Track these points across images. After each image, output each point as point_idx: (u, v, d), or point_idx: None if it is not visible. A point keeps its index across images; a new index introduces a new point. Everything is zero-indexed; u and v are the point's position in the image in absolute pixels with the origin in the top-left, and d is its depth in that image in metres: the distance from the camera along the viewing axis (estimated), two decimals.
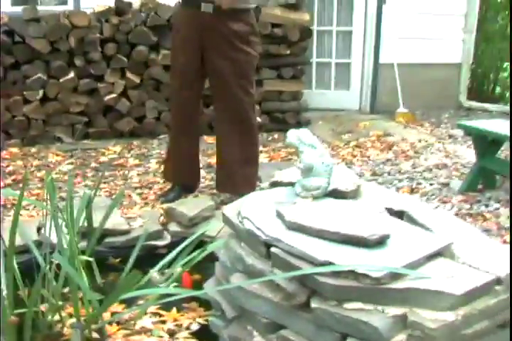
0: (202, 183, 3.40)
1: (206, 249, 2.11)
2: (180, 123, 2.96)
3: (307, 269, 1.54)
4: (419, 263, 1.54)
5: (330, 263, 1.53)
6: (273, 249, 1.66)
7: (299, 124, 4.82)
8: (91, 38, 4.22)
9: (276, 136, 4.60)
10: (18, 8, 4.26)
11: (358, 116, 5.52)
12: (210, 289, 1.85)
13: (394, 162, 4.10)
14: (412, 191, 3.45)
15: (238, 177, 2.92)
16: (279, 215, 1.78)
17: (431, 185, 3.59)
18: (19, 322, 1.81)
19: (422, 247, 1.58)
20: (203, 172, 3.59)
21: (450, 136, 4.91)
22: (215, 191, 3.29)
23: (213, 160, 3.85)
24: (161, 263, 2.13)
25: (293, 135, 1.93)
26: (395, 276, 1.48)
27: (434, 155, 4.29)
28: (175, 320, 2.08)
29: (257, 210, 1.85)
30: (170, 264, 2.12)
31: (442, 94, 5.84)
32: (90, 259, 2.00)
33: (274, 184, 2.10)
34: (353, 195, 2.02)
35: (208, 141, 4.34)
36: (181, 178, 3.12)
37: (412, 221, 1.80)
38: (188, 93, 2.87)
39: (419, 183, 3.62)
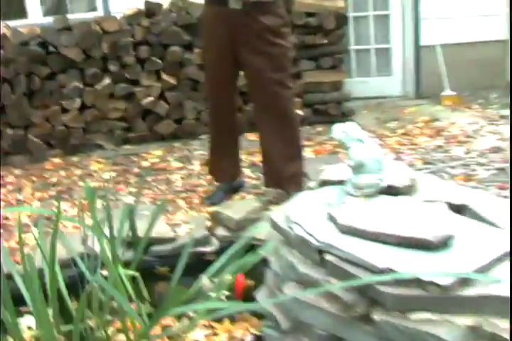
0: (246, 183, 3.29)
1: (256, 255, 1.99)
2: (218, 121, 2.89)
3: (366, 278, 1.41)
4: (490, 265, 1.38)
5: (390, 271, 1.40)
6: (327, 257, 1.55)
7: (342, 115, 4.66)
8: (123, 42, 4.16)
9: (320, 128, 4.45)
10: (50, 19, 4.22)
11: (402, 102, 5.30)
12: (264, 302, 1.74)
13: (445, 148, 3.91)
14: (467, 178, 3.26)
15: (284, 174, 2.83)
16: (331, 218, 1.66)
17: (487, 170, 3.39)
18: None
19: (492, 247, 1.43)
20: (247, 172, 3.50)
21: (502, 117, 4.66)
22: (261, 191, 3.18)
23: (256, 158, 3.77)
24: (211, 269, 2.04)
25: (338, 130, 1.80)
26: (464, 282, 1.34)
27: (487, 139, 4.07)
28: (227, 331, 1.97)
29: (307, 214, 1.73)
30: (219, 271, 2.01)
31: (488, 74, 5.56)
32: (135, 274, 1.91)
33: (323, 183, 1.97)
34: (408, 190, 1.87)
35: (250, 138, 4.21)
36: (224, 177, 3.04)
37: (476, 216, 1.65)
38: (223, 91, 2.78)
39: (474, 170, 3.43)
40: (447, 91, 5.22)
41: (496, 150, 3.77)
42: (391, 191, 1.82)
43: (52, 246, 1.66)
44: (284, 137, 2.77)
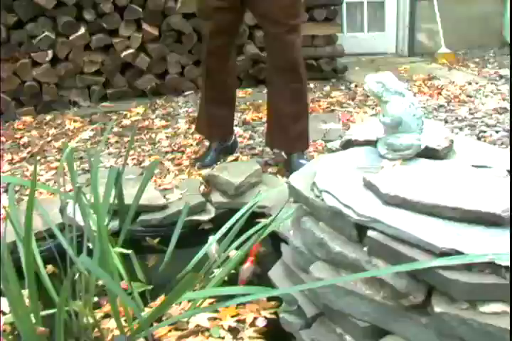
0: (240, 143, 2.99)
1: (266, 228, 1.71)
2: (214, 72, 2.54)
3: (426, 261, 1.13)
4: None
5: (456, 252, 1.12)
6: (371, 233, 1.26)
7: (334, 72, 4.41)
8: None
9: (311, 85, 4.14)
10: None
11: (396, 59, 5.04)
12: (290, 289, 1.45)
13: (448, 108, 3.65)
14: (478, 140, 3.00)
15: (290, 132, 2.56)
16: (370, 186, 1.37)
17: (497, 132, 3.14)
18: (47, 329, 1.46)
19: None
20: (239, 131, 3.20)
21: (501, 77, 4.41)
22: (256, 151, 2.90)
23: (248, 116, 3.50)
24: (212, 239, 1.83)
25: (373, 81, 1.50)
26: None
27: (490, 99, 3.82)
28: (235, 314, 1.70)
29: (337, 180, 1.44)
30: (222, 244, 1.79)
31: (485, 31, 5.29)
32: (128, 252, 1.61)
33: (347, 144, 1.68)
34: (447, 153, 1.59)
35: (239, 94, 3.91)
36: (217, 135, 2.77)
37: None
38: (223, 38, 2.43)
39: (483, 131, 3.17)
40: (443, 49, 4.94)
41: (502, 110, 3.52)
42: (427, 153, 1.54)
43: (28, 218, 1.34)
44: (293, 92, 2.49)
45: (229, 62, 2.56)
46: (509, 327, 1.07)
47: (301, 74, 2.46)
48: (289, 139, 2.57)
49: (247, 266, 1.86)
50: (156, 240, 2.18)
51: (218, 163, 2.71)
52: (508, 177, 1.39)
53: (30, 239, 1.41)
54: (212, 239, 1.83)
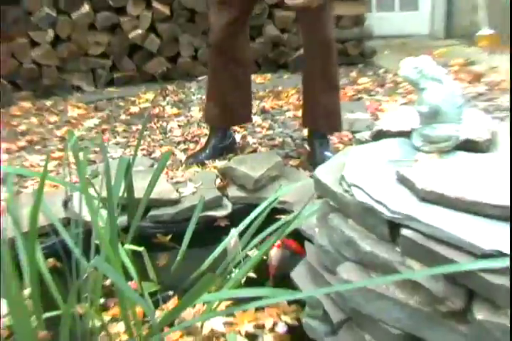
0: (258, 133, 3.01)
1: (289, 226, 1.72)
2: (223, 51, 2.55)
3: (466, 263, 1.14)
4: None
5: (500, 254, 1.12)
6: (405, 231, 1.27)
7: (362, 56, 4.44)
8: None
9: None
10: None
11: (431, 42, 5.04)
12: (314, 292, 1.47)
13: (488, 97, 3.62)
14: None
15: (322, 109, 2.62)
16: (404, 181, 1.38)
17: None
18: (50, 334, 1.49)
19: None
20: (258, 119, 3.25)
21: None
22: (275, 142, 2.96)
23: (267, 104, 3.55)
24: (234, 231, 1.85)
25: (410, 66, 1.51)
26: None
27: None
28: (253, 318, 1.72)
29: (368, 174, 1.45)
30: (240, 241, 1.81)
31: None
32: (140, 249, 1.63)
33: (379, 134, 1.69)
34: (488, 145, 1.59)
35: (258, 80, 3.92)
36: (231, 120, 2.80)
37: None
38: (235, 16, 2.44)
39: None
40: (485, 30, 4.90)
41: None
42: (467, 146, 1.55)
43: (34, 213, 1.37)
44: (323, 67, 2.54)
45: (239, 39, 2.56)
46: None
47: (335, 53, 2.52)
48: (320, 116, 2.61)
49: (275, 252, 1.90)
50: (168, 237, 2.21)
51: (212, 161, 2.71)
52: None
53: (35, 235, 1.43)
54: (235, 231, 1.84)
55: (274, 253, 1.91)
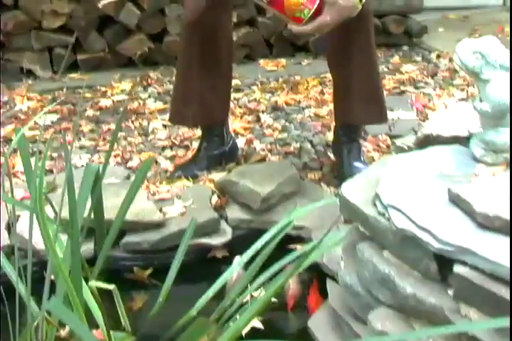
0: (269, 136, 3.09)
1: (306, 259, 1.75)
2: (198, 26, 2.60)
3: None
4: None
5: None
6: (459, 269, 1.31)
7: (407, 35, 4.48)
8: None
9: None
10: None
11: (502, 15, 5.01)
12: None
13: None
14: None
15: (359, 96, 2.66)
16: (458, 201, 1.42)
17: None
18: None
19: None
20: (268, 119, 3.33)
21: None
22: (291, 149, 2.99)
23: (280, 99, 3.60)
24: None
25: (468, 50, 1.54)
26: None
27: None
28: None
29: (411, 192, 1.50)
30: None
31: None
32: (109, 287, 1.66)
33: (426, 141, 1.74)
34: None
35: (268, 67, 3.98)
36: (206, 118, 2.81)
37: None
38: None
39: None
40: None
41: None
42: None
43: None
44: (359, 45, 2.59)
45: (221, 17, 2.63)
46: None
47: (371, 23, 2.59)
48: (357, 105, 2.65)
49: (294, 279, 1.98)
50: (147, 272, 2.24)
51: (206, 173, 2.73)
52: None
53: None
54: (239, 260, 1.89)
55: (293, 280, 1.96)
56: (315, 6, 2.19)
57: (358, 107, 2.66)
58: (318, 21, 2.24)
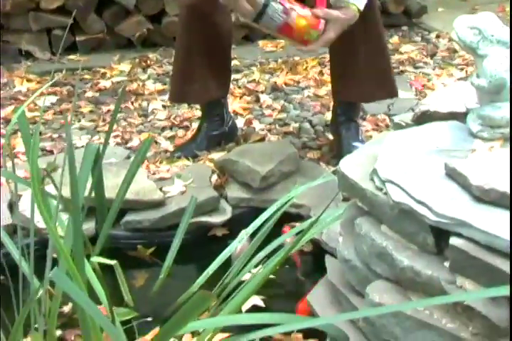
0: (268, 116, 3.11)
1: (305, 235, 1.77)
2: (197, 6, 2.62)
3: None
4: None
5: None
6: (455, 241, 1.33)
7: (406, 15, 4.48)
8: None
9: None
10: None
11: None
12: (336, 318, 1.52)
13: None
14: None
15: (367, 72, 2.67)
16: (455, 175, 1.44)
17: None
18: None
19: None
20: (267, 99, 3.35)
21: None
22: (290, 129, 3.01)
23: (280, 79, 3.61)
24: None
25: (465, 25, 1.55)
26: None
27: None
28: None
29: (408, 167, 1.51)
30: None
31: None
32: (111, 263, 1.68)
33: (423, 117, 1.75)
34: None
35: (267, 48, 3.99)
36: (206, 94, 2.83)
37: None
38: None
39: None
40: None
41: None
42: None
43: None
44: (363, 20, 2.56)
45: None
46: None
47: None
48: (364, 83, 2.65)
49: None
50: (149, 250, 2.27)
51: (206, 153, 2.76)
52: None
53: None
54: (245, 233, 1.92)
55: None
56: (321, 26, 2.24)
57: (369, 83, 2.67)
58: (324, 39, 2.29)
